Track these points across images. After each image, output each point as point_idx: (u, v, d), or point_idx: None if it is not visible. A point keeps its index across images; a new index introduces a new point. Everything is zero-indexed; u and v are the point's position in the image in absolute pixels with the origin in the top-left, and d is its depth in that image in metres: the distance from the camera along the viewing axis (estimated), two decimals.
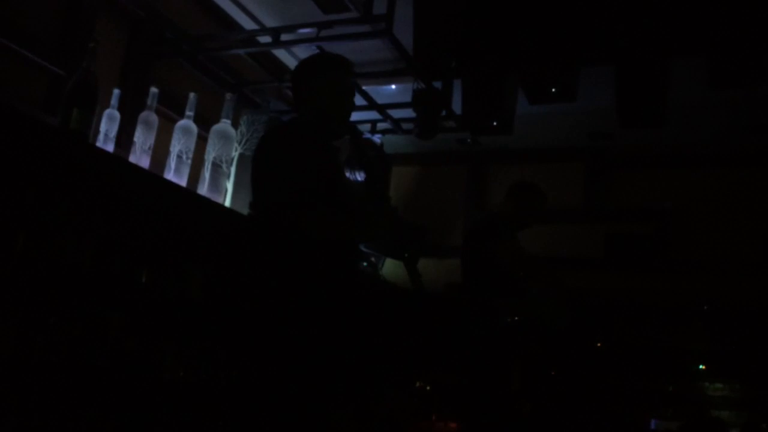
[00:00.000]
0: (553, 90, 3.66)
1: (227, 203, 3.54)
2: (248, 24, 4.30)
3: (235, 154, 3.61)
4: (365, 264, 5.21)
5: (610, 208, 5.67)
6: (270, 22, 4.25)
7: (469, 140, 5.76)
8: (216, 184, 3.40)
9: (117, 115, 3.08)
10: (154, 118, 3.22)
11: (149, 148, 3.17)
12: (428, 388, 4.60)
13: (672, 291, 5.24)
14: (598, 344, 5.27)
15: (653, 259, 5.35)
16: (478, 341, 3.40)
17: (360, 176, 4.27)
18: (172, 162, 3.25)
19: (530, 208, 3.54)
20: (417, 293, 2.25)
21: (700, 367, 5.19)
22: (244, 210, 3.58)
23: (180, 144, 3.27)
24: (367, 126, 4.68)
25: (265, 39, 3.84)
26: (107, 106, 3.06)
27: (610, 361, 5.23)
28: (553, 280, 3.66)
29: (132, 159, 3.11)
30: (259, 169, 2.19)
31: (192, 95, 3.37)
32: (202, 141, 3.50)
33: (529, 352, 3.43)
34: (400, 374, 4.51)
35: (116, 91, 3.12)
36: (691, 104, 4.71)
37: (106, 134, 3.02)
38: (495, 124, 3.96)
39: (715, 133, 5.25)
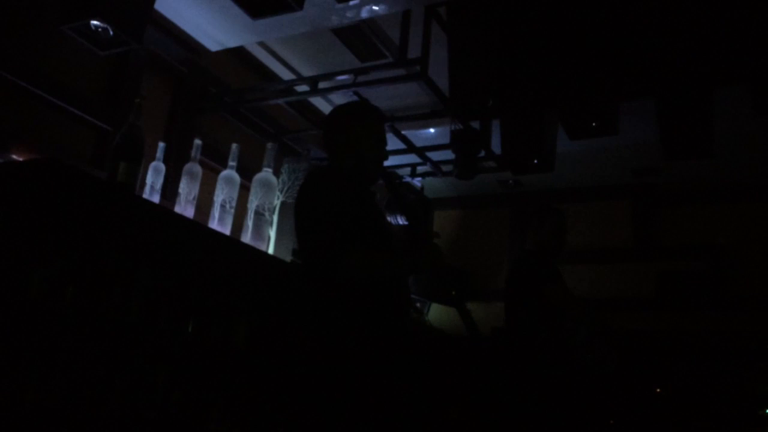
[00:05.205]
0: (594, 124, 3.60)
1: (270, 250, 3.55)
2: (286, 75, 4.40)
3: (278, 202, 3.64)
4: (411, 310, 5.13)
5: (661, 245, 5.50)
6: (307, 72, 4.35)
7: (511, 181, 5.71)
8: (259, 232, 3.42)
9: (162, 167, 3.14)
10: (198, 169, 3.27)
11: (194, 199, 3.21)
12: None
13: (731, 330, 5.00)
14: (657, 390, 5.03)
15: (709, 296, 5.13)
16: (533, 389, 3.27)
17: (401, 220, 4.25)
18: (216, 211, 3.28)
19: (559, 231, 3.44)
20: (473, 335, 2.16)
21: None
22: (287, 257, 3.59)
23: (223, 193, 3.31)
24: (407, 169, 4.69)
25: (303, 88, 3.92)
26: (153, 158, 3.13)
27: (670, 407, 4.98)
28: (599, 321, 3.52)
29: (177, 209, 3.16)
30: (302, 216, 2.17)
31: (234, 146, 3.43)
32: (244, 190, 3.54)
33: (585, 401, 3.29)
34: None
35: (161, 144, 3.20)
36: (739, 135, 4.59)
37: (152, 186, 3.08)
38: (535, 162, 3.91)
39: (766, 164, 5.09)
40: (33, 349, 2.28)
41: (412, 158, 4.55)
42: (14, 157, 2.86)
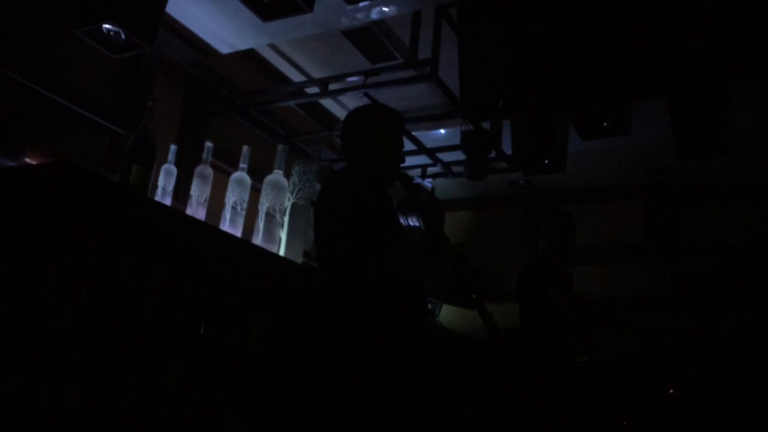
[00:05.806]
0: (606, 124, 3.57)
1: (281, 252, 3.56)
2: (297, 77, 4.41)
3: (288, 204, 3.65)
4: None
5: (675, 245, 5.46)
6: (317, 74, 4.36)
7: (522, 182, 5.69)
8: (270, 233, 3.43)
9: (174, 169, 3.17)
10: (209, 171, 3.29)
11: (205, 201, 3.23)
12: None
13: (747, 331, 4.95)
14: (671, 390, 4.99)
15: (724, 296, 5.09)
16: (543, 390, 3.27)
17: (413, 221, 4.25)
18: (227, 213, 3.30)
19: (567, 230, 3.48)
20: (494, 336, 2.15)
21: None
22: (298, 259, 3.59)
23: (234, 195, 3.33)
24: (418, 171, 4.68)
25: (313, 90, 3.93)
26: (165, 161, 3.15)
27: (685, 409, 4.92)
28: (614, 320, 3.55)
29: (189, 211, 3.18)
30: (325, 217, 2.16)
31: (245, 148, 3.45)
32: (255, 192, 3.55)
33: (599, 401, 3.27)
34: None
35: (173, 147, 3.22)
36: (753, 134, 4.55)
37: (164, 188, 3.10)
38: (546, 162, 3.89)
39: None
40: (48, 348, 2.30)
41: (422, 159, 4.55)
42: (28, 160, 2.89)
